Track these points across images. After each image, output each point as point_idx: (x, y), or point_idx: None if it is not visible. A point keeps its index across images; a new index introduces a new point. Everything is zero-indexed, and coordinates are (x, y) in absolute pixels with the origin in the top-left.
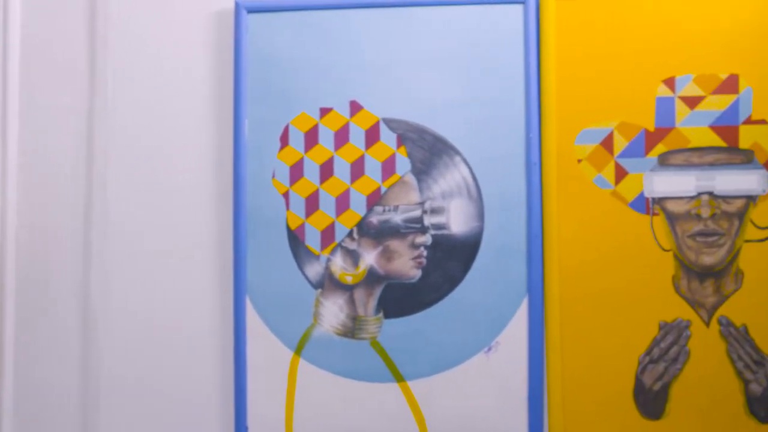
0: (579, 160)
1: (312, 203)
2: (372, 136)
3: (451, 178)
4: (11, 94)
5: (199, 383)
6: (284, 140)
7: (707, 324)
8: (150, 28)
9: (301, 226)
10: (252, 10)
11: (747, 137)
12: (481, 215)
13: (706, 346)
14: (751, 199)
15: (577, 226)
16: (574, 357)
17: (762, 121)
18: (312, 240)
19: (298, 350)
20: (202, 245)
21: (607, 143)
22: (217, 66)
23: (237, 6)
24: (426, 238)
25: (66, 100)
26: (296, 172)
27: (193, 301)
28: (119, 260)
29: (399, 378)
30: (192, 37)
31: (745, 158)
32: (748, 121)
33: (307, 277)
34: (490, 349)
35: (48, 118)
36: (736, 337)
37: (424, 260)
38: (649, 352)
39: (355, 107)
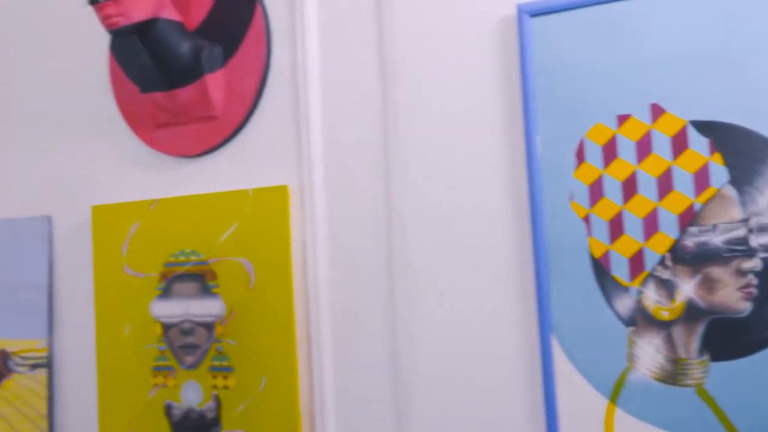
0: None
1: (616, 227)
2: (679, 143)
3: None
4: (314, 130)
5: None
6: (580, 156)
7: None
8: (434, 48)
9: (606, 254)
10: (535, 14)
11: None
12: None
13: None
14: None
15: None
16: None
17: None
18: (619, 269)
19: (613, 398)
20: (502, 279)
21: None
22: (504, 79)
23: (519, 11)
24: (754, 263)
25: (360, 133)
26: (596, 191)
27: (498, 342)
28: (421, 302)
29: None
30: (475, 52)
31: None
32: None
33: (616, 313)
34: None
35: (347, 152)
36: None
37: (753, 290)
38: None
39: (656, 111)
